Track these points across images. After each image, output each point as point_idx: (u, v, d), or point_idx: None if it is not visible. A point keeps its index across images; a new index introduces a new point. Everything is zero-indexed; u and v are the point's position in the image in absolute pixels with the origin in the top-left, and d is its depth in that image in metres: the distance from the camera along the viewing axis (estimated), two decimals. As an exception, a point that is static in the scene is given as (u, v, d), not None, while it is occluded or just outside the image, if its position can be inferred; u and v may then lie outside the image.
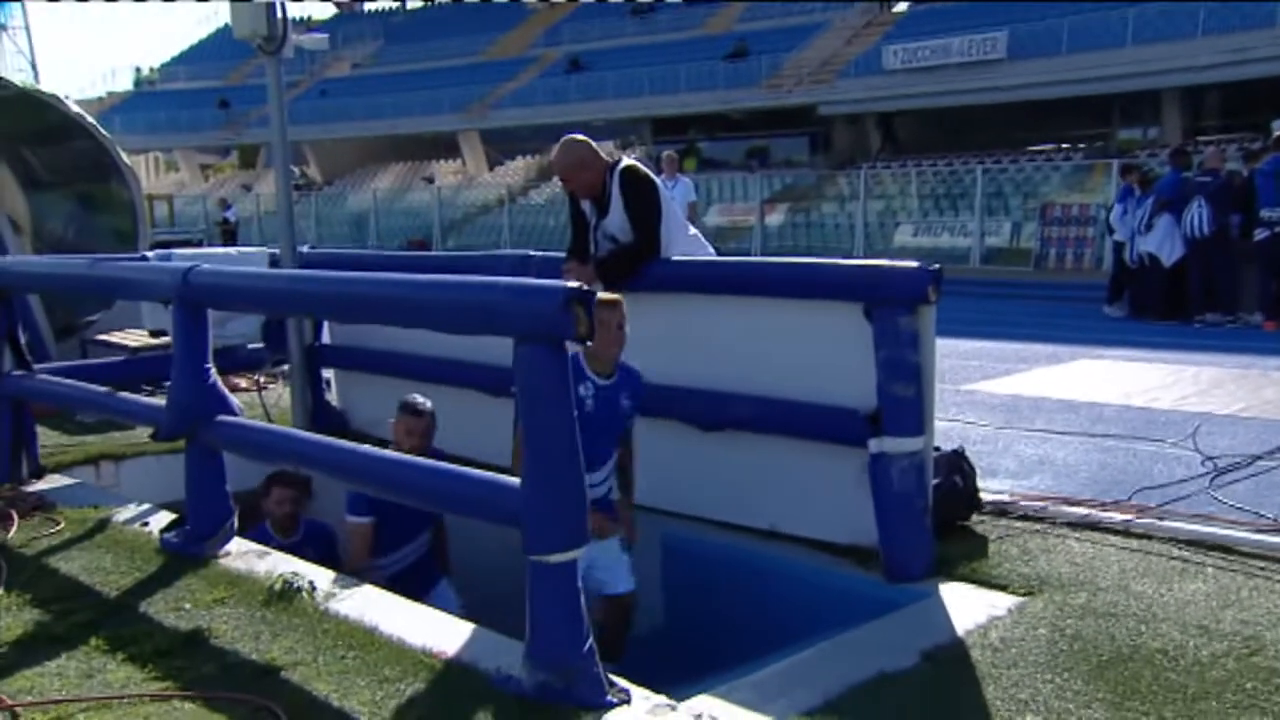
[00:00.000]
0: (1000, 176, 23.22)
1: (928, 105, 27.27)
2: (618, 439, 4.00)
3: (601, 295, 3.60)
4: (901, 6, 33.11)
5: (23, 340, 5.60)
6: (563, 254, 4.95)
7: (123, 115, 42.40)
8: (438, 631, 3.40)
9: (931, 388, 3.97)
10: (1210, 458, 5.35)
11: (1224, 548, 4.00)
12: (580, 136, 4.75)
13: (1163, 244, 11.88)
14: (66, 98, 8.77)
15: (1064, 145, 27.12)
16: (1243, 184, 11.52)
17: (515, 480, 2.99)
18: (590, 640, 2.96)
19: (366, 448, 3.79)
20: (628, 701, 2.91)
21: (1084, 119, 27.42)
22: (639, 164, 4.77)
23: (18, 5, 54.36)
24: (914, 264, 3.95)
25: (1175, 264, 11.83)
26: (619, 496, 4.13)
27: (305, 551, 4.78)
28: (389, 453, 3.81)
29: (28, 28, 51.32)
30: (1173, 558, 3.94)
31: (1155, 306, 12.11)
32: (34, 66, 50.80)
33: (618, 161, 4.71)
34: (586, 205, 4.76)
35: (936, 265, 3.91)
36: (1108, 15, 24.46)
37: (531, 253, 5.52)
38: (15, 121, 8.62)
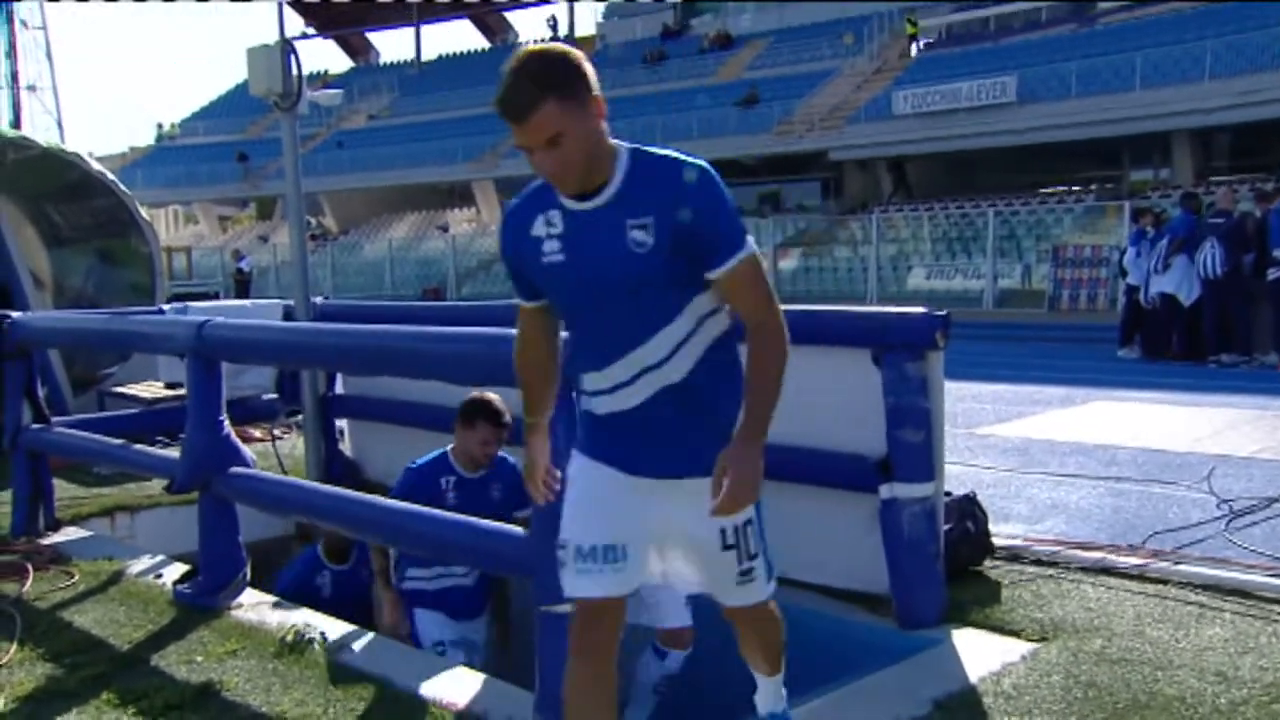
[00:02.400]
0: (1012, 219, 23.29)
1: (938, 149, 27.43)
2: None
3: None
4: (912, 50, 33.41)
5: (40, 394, 5.67)
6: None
7: (144, 170, 43.12)
8: (449, 682, 3.40)
9: (941, 433, 3.97)
10: (1226, 500, 5.30)
11: (1242, 592, 3.96)
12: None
13: (1180, 284, 11.86)
14: (90, 155, 8.91)
15: (1075, 187, 27.22)
16: (1256, 224, 11.52)
17: (525, 531, 3.00)
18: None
19: (378, 499, 3.82)
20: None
21: (1095, 161, 27.55)
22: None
23: (47, 69, 55.76)
24: (921, 310, 3.97)
25: (1194, 303, 11.81)
26: None
27: (493, 488, 4.31)
28: (400, 504, 3.81)
29: (55, 88, 52.61)
30: (1189, 603, 3.90)
31: (1169, 347, 12.07)
32: (60, 125, 51.98)
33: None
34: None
35: (944, 311, 3.93)
36: (1115, 59, 24.67)
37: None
38: (39, 180, 8.78)
